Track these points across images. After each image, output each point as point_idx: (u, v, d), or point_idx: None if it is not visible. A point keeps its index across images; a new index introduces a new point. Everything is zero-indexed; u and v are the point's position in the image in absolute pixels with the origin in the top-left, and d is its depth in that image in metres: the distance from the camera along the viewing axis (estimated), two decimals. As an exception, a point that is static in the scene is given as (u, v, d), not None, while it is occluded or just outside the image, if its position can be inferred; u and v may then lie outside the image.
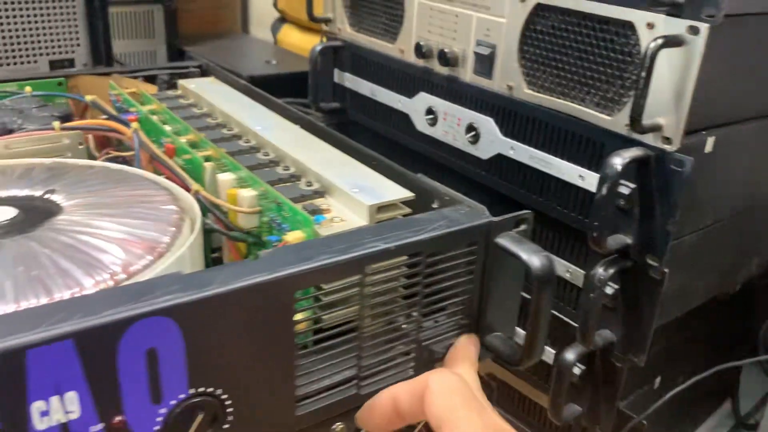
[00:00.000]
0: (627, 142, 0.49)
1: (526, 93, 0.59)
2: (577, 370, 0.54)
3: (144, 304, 0.30)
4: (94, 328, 0.28)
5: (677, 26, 0.45)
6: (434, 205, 0.44)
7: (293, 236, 0.41)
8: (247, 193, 0.45)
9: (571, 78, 0.55)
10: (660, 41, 0.44)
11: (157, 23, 1.35)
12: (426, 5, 0.69)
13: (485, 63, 0.63)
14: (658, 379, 0.63)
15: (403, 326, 0.41)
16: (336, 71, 0.84)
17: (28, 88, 0.62)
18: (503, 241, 0.40)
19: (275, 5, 1.54)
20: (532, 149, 0.59)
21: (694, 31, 0.44)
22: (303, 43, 1.46)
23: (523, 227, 0.41)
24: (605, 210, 0.47)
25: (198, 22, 1.55)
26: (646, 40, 0.47)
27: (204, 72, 0.71)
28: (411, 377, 0.41)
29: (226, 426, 0.34)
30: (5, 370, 0.27)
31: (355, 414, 0.39)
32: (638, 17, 0.48)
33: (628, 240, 0.49)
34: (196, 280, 0.32)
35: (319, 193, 0.45)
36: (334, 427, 0.39)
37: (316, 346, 0.37)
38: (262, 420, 0.35)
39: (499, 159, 0.62)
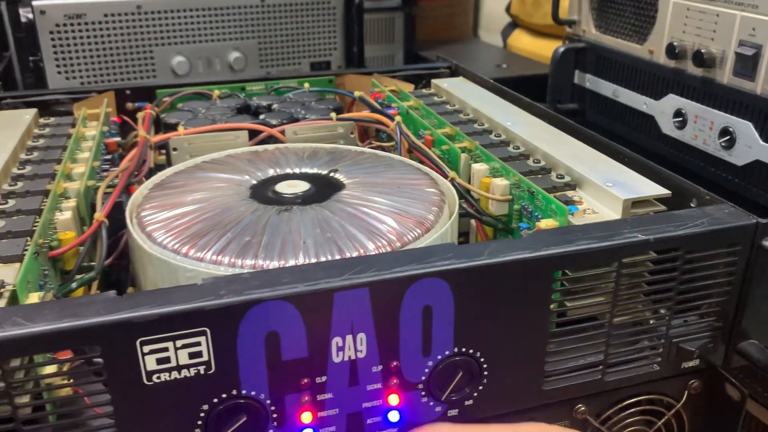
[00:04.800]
0: None
1: (795, 96, 0.55)
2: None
3: (426, 266, 0.34)
4: (385, 281, 0.33)
5: None
6: (692, 204, 0.44)
7: (546, 224, 0.43)
8: (501, 182, 0.48)
9: None
10: None
11: (397, 29, 1.45)
12: (682, 5, 0.67)
13: (748, 64, 0.60)
14: None
15: (651, 321, 0.41)
16: (576, 72, 0.85)
17: (306, 85, 0.71)
18: (771, 244, 0.38)
19: (508, 10, 1.57)
20: (799, 157, 0.55)
21: None
22: (534, 47, 1.47)
23: (793, 232, 0.39)
24: None
25: (432, 27, 1.63)
26: None
27: (453, 72, 0.76)
28: (655, 372, 0.41)
29: (480, 388, 0.38)
30: (318, 307, 0.33)
31: None
32: None
33: None
34: (468, 251, 0.35)
35: (570, 186, 0.47)
36: (576, 407, 0.41)
37: (566, 327, 0.38)
38: (511, 387, 0.38)
39: (757, 166, 0.59)
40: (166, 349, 0.31)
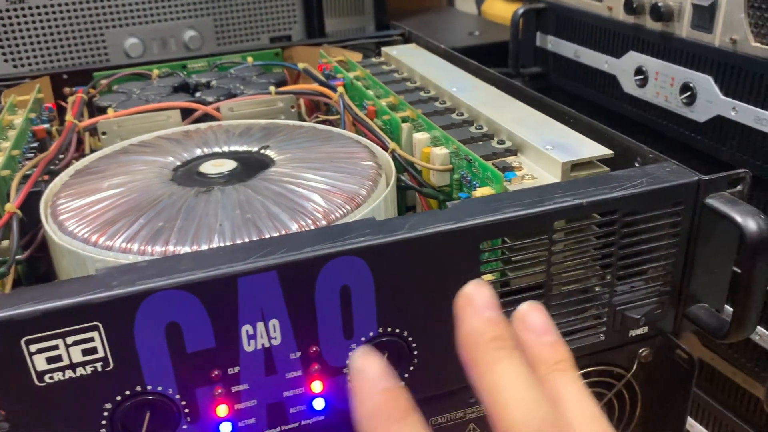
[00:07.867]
0: None
1: (753, 47, 0.53)
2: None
3: (339, 244, 0.32)
4: (295, 262, 0.31)
5: None
6: (636, 164, 0.41)
7: (482, 192, 0.41)
8: (440, 151, 0.46)
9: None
10: None
11: (366, 0, 1.41)
12: (638, -43, 0.64)
13: (705, 15, 0.57)
14: None
15: (596, 289, 0.39)
16: (538, 34, 0.82)
17: (249, 59, 0.68)
18: (714, 201, 0.36)
19: (480, -25, 1.53)
20: (759, 110, 0.52)
21: None
22: (507, 12, 1.43)
23: (738, 188, 0.37)
24: None
25: (405, -3, 1.58)
26: None
27: (406, 39, 0.73)
28: (602, 342, 0.39)
29: (411, 368, 0.36)
30: (221, 294, 0.30)
31: None
32: None
33: None
34: (387, 226, 0.33)
35: (511, 151, 0.44)
36: (517, 384, 0.39)
37: (504, 299, 0.36)
38: (445, 366, 0.36)
39: (718, 121, 0.57)
40: (56, 347, 0.29)
